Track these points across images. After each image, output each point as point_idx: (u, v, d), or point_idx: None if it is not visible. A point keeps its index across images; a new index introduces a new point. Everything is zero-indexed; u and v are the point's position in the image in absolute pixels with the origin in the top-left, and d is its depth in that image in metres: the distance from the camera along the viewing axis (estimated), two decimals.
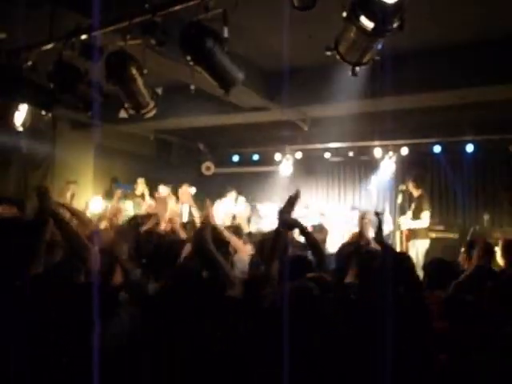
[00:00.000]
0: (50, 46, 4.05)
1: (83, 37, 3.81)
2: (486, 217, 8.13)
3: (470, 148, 7.83)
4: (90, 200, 6.83)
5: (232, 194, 7.84)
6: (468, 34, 4.74)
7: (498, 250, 3.48)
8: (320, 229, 4.41)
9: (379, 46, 2.74)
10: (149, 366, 2.07)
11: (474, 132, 7.69)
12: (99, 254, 2.47)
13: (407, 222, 6.63)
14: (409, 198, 7.12)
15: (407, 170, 8.02)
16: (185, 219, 5.41)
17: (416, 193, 6.80)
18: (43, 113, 4.50)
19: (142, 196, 7.39)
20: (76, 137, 8.01)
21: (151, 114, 4.01)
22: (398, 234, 7.23)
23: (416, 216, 6.55)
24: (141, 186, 7.52)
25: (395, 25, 2.51)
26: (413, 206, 6.78)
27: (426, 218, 6.52)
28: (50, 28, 4.08)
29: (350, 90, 6.00)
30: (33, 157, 7.38)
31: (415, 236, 6.51)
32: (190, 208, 4.43)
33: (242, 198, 7.95)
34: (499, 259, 3.45)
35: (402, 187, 6.99)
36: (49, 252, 2.56)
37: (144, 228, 4.02)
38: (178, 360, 2.05)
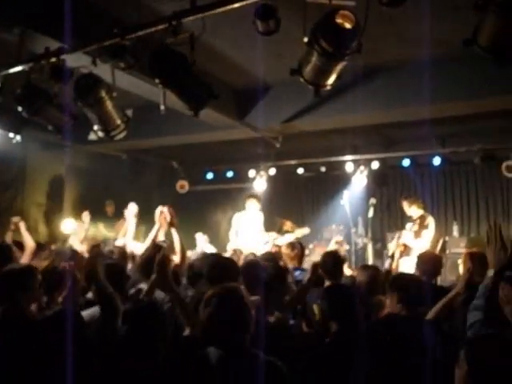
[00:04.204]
0: (18, 69, 4.04)
1: (52, 59, 3.83)
2: (455, 227, 8.42)
3: (437, 161, 8.08)
4: (62, 222, 6.72)
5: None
6: (438, 49, 4.88)
7: (460, 262, 3.61)
8: (292, 246, 4.49)
9: (340, 69, 2.85)
10: None
11: (441, 145, 7.96)
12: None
13: None
14: None
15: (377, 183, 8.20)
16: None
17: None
18: (11, 135, 4.47)
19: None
20: (46, 158, 7.90)
21: (121, 136, 4.02)
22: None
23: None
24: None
25: (353, 47, 2.62)
26: None
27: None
28: (19, 50, 4.08)
29: (321, 107, 6.17)
30: (2, 178, 7.26)
31: None
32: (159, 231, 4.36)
33: None
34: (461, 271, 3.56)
35: (373, 201, 7.14)
36: None
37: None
38: None
